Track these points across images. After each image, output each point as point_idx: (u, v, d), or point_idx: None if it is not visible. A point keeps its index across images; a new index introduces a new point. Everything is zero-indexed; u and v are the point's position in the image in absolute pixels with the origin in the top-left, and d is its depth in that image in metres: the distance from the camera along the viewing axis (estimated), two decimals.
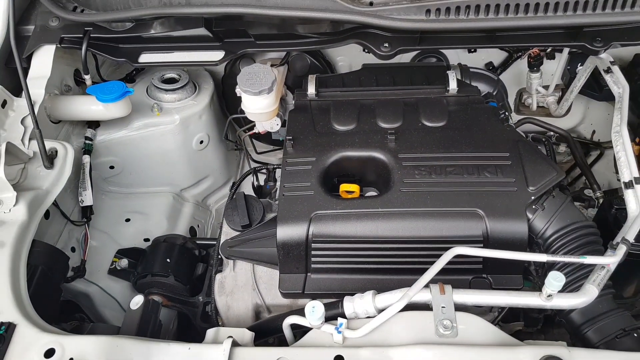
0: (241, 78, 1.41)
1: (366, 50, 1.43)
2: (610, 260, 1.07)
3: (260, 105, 1.46)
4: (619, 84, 1.45)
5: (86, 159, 1.61)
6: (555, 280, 0.96)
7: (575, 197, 1.69)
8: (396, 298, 1.02)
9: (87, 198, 1.59)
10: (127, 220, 1.72)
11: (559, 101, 1.90)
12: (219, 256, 1.38)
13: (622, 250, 1.09)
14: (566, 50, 1.71)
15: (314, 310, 0.97)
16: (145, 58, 1.52)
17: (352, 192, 1.32)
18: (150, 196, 1.79)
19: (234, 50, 1.50)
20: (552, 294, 0.99)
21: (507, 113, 1.50)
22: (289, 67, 1.79)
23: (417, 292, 1.01)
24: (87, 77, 1.57)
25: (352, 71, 1.67)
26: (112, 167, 1.74)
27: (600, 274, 1.06)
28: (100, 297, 1.54)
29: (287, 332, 1.08)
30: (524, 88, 1.93)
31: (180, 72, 1.77)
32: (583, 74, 1.68)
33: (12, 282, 1.09)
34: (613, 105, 1.85)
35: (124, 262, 1.58)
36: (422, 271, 1.05)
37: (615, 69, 1.48)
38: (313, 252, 1.21)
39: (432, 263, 1.05)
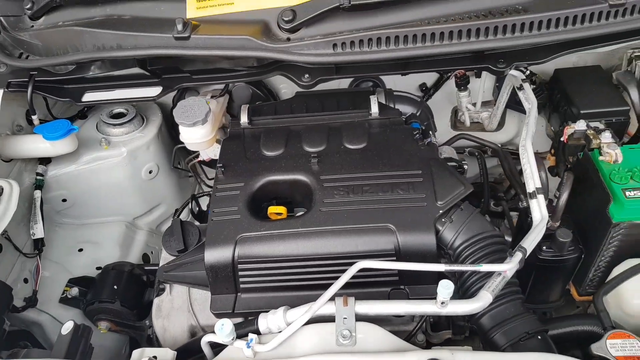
0: (177, 111, 1.51)
1: None
2: (505, 267, 1.14)
3: (196, 136, 1.55)
4: (529, 100, 1.55)
5: (37, 194, 1.70)
6: (444, 288, 1.04)
7: (511, 207, 1.79)
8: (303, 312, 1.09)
9: (39, 231, 1.67)
10: (80, 250, 1.79)
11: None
12: (159, 281, 1.46)
13: (517, 257, 1.16)
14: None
15: (223, 327, 1.04)
16: (88, 97, 1.63)
17: (280, 213, 1.41)
18: (103, 226, 1.86)
19: (171, 86, 1.61)
20: (445, 301, 1.07)
21: (430, 132, 1.61)
22: (232, 97, 1.89)
23: (322, 305, 1.09)
24: (34, 117, 1.67)
25: (284, 99, 1.78)
26: (64, 200, 1.82)
27: (496, 281, 1.14)
28: (52, 325, 1.60)
29: (206, 350, 1.15)
30: None
31: (128, 107, 1.87)
32: (504, 90, 1.79)
33: None
34: (544, 117, 1.96)
35: (74, 291, 1.65)
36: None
37: (526, 86, 1.58)
38: (240, 273, 1.28)
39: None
